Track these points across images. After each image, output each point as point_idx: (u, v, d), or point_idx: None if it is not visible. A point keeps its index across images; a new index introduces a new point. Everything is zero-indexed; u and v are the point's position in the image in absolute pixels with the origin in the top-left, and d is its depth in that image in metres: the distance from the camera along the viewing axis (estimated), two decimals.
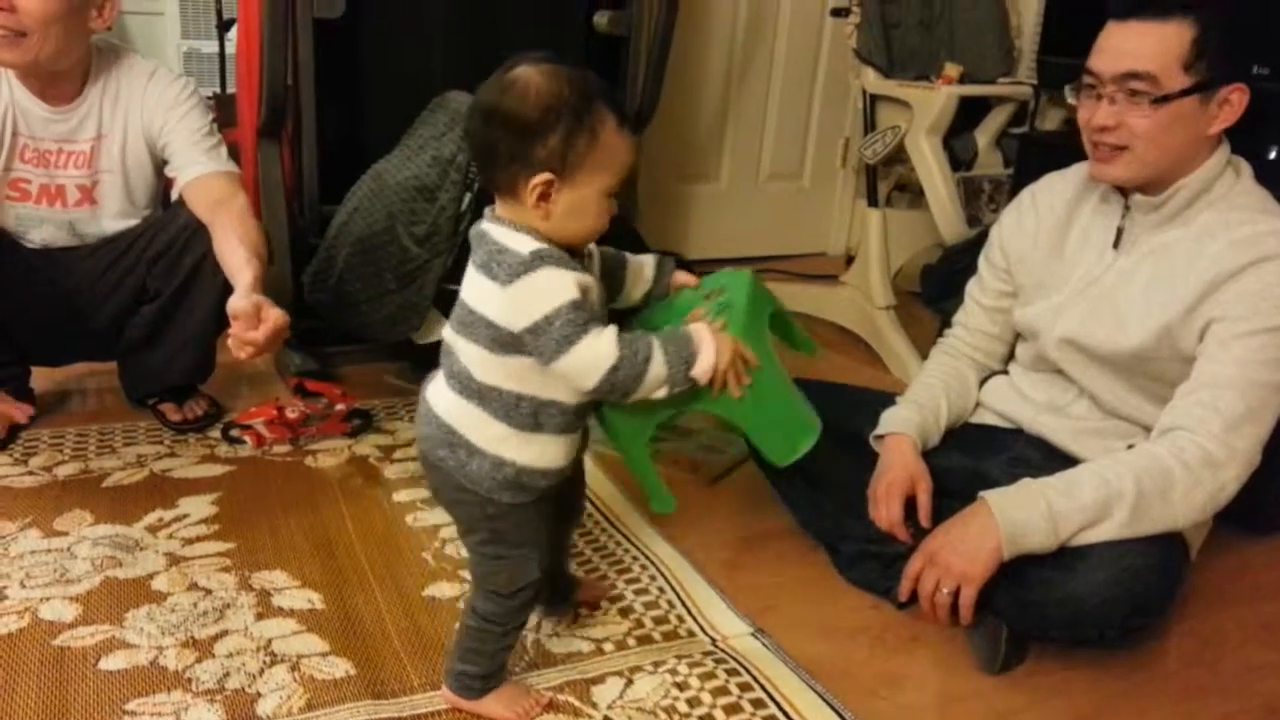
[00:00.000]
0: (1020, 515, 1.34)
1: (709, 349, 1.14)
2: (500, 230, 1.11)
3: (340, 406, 2.05)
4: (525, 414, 1.14)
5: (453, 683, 1.29)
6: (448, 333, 1.17)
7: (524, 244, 1.09)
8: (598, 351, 1.09)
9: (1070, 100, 1.47)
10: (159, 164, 1.93)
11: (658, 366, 1.12)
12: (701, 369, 1.14)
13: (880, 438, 1.60)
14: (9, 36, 1.68)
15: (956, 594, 1.36)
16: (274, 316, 1.52)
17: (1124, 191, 1.46)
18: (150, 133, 1.89)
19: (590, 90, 1.07)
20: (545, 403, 1.15)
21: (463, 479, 1.17)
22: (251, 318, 1.51)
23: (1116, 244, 1.48)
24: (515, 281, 1.07)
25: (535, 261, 1.07)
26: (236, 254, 1.69)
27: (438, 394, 1.19)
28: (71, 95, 1.83)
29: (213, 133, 1.91)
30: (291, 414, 1.96)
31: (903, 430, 1.58)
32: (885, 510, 1.52)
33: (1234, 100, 1.37)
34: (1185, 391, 1.38)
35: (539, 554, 1.24)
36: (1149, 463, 1.35)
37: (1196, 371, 1.38)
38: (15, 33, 1.68)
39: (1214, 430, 1.33)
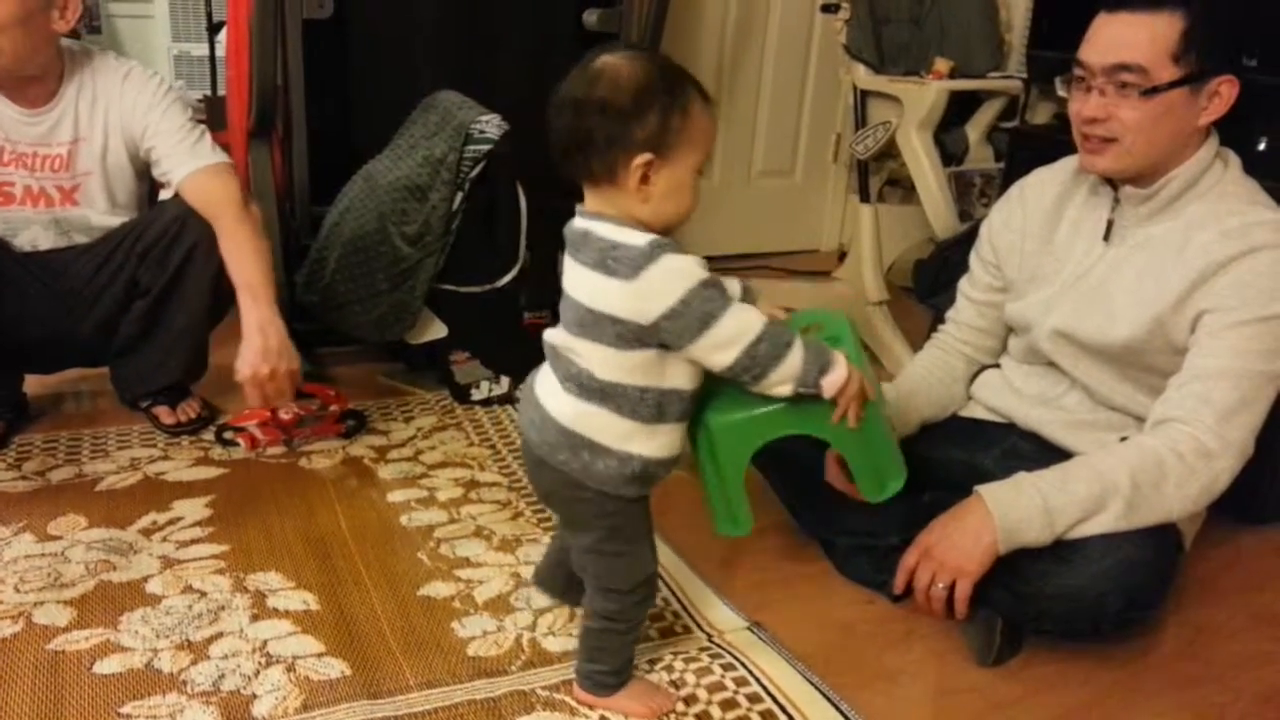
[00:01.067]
0: (1016, 510, 1.34)
1: (842, 367, 1.15)
2: (605, 226, 1.11)
3: (334, 408, 2.04)
4: (650, 406, 1.14)
5: (584, 682, 1.30)
6: (561, 336, 1.16)
7: (636, 237, 1.09)
8: (744, 322, 1.10)
9: (1060, 92, 1.47)
10: (141, 166, 1.93)
11: (795, 358, 1.12)
12: (832, 381, 1.14)
13: None
14: None
15: (952, 588, 1.36)
16: (280, 375, 1.69)
17: (1113, 184, 1.47)
18: (131, 135, 1.88)
19: (676, 71, 1.11)
20: (667, 392, 1.15)
21: (586, 479, 1.17)
22: (260, 383, 1.67)
23: (1107, 236, 1.48)
24: (640, 273, 1.07)
25: (655, 251, 1.07)
26: (240, 273, 1.77)
27: (553, 398, 1.18)
28: (45, 98, 1.82)
29: (195, 126, 1.90)
30: (285, 416, 1.96)
31: None
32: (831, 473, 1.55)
33: (1223, 92, 1.38)
34: (1178, 383, 1.38)
35: (652, 548, 1.26)
36: (1143, 455, 1.35)
37: (1188, 363, 1.38)
38: None
39: (1207, 421, 1.34)
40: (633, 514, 1.22)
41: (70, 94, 1.84)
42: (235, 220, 1.83)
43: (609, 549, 1.23)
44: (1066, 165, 1.57)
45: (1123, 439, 1.43)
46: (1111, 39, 1.37)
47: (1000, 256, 1.62)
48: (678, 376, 1.15)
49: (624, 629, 1.27)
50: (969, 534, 1.36)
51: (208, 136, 1.91)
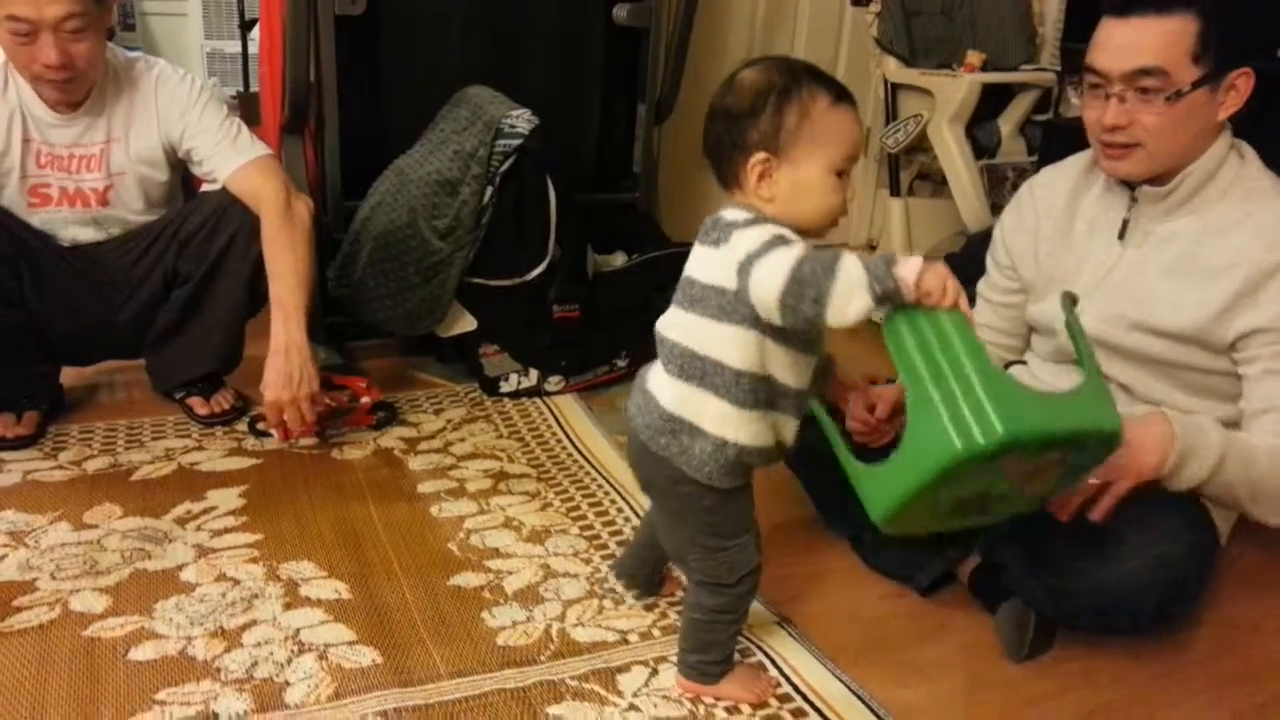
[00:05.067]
0: (1198, 437, 1.30)
1: (914, 260, 1.03)
2: (734, 211, 1.13)
3: (365, 400, 2.06)
4: (745, 390, 1.14)
5: (689, 672, 1.32)
6: (669, 316, 1.19)
7: (747, 214, 1.12)
8: (783, 255, 1.04)
9: (1074, 100, 1.45)
10: (177, 162, 1.95)
11: (850, 265, 1.00)
12: (908, 270, 1.01)
13: None
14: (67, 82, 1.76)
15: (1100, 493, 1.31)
16: (299, 400, 1.81)
17: (1129, 183, 1.45)
18: (169, 135, 1.90)
19: (797, 72, 1.13)
20: (764, 379, 1.15)
21: (685, 466, 1.18)
22: (279, 409, 1.81)
23: (1122, 235, 1.46)
24: (732, 235, 1.10)
25: (752, 222, 1.10)
26: (275, 285, 1.84)
27: (658, 383, 1.21)
28: (79, 100, 1.83)
29: (232, 121, 1.92)
30: (318, 407, 1.98)
31: None
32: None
33: (1239, 85, 1.35)
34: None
35: (756, 539, 1.27)
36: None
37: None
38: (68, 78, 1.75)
39: None
40: (732, 507, 1.23)
41: (102, 96, 1.85)
42: (276, 226, 1.85)
43: (710, 544, 1.24)
44: (1076, 163, 1.55)
45: None
46: (1126, 44, 1.34)
47: (1015, 258, 1.60)
48: (776, 365, 1.15)
49: (731, 619, 1.29)
50: (1147, 442, 1.29)
51: (245, 129, 1.93)
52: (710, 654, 1.30)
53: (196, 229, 1.89)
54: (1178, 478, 1.31)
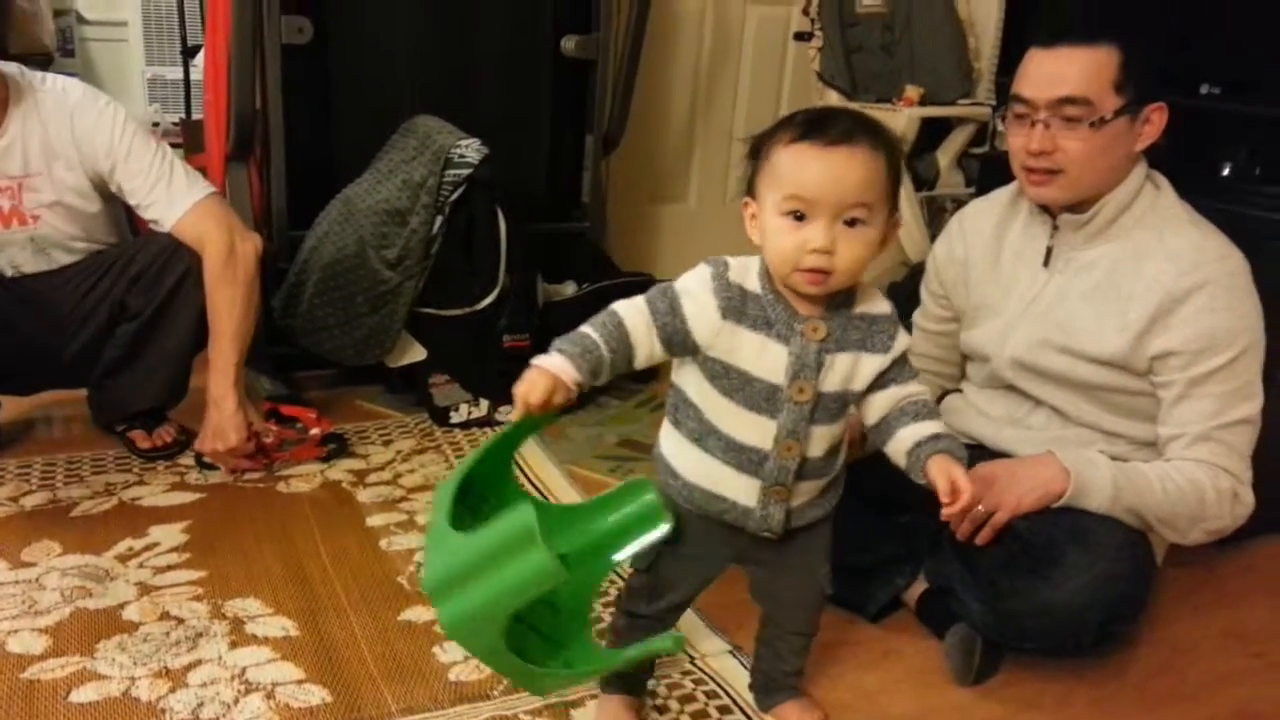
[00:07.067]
0: (1091, 471, 1.40)
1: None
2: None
3: (315, 431, 2.03)
4: (671, 402, 1.21)
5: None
6: None
7: (717, 261, 1.16)
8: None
9: (999, 128, 1.51)
10: (109, 195, 1.89)
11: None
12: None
13: None
14: None
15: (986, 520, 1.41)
16: (232, 449, 1.87)
17: (1049, 210, 1.50)
18: (95, 170, 1.83)
19: (788, 116, 1.14)
20: (677, 390, 1.20)
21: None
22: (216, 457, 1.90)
23: (1046, 262, 1.52)
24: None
25: (709, 263, 1.15)
26: (211, 336, 1.86)
27: None
28: None
29: (163, 159, 1.85)
30: (266, 439, 1.95)
31: None
32: None
33: (1154, 119, 1.42)
34: (1194, 421, 1.40)
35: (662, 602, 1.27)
36: (1192, 482, 1.39)
37: (1187, 409, 1.40)
38: None
39: (1237, 469, 1.40)
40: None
41: (14, 127, 1.77)
42: (215, 276, 1.83)
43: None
44: (1001, 195, 1.60)
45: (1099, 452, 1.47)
46: (1052, 74, 1.40)
47: (947, 288, 1.65)
48: (684, 377, 1.19)
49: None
50: (1039, 479, 1.41)
51: (179, 166, 1.87)
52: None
53: (146, 265, 1.85)
54: (1088, 504, 1.40)
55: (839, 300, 1.14)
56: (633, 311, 1.13)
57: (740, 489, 1.18)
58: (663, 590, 1.26)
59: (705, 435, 1.17)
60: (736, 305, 1.12)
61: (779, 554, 1.25)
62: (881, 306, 1.17)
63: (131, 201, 1.87)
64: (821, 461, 1.19)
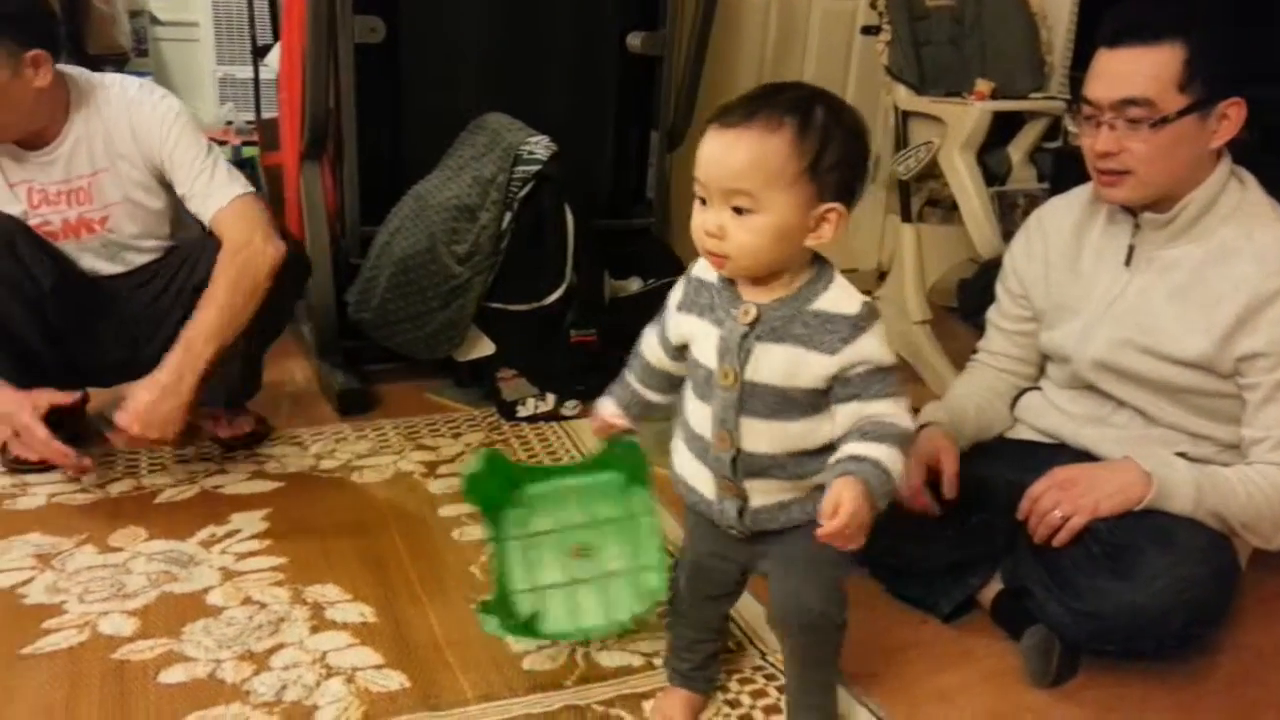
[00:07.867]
0: (1174, 474, 1.39)
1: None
2: None
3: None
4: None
5: None
6: None
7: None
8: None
9: (1070, 128, 1.48)
10: (171, 188, 1.91)
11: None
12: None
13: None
14: None
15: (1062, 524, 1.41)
16: (148, 439, 1.73)
17: (1131, 209, 1.47)
18: (152, 162, 1.87)
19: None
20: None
21: None
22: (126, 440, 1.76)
23: (1128, 261, 1.49)
24: None
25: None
26: (193, 321, 1.77)
27: None
28: (50, 137, 1.81)
29: (208, 154, 1.88)
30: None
31: (929, 419, 1.61)
32: (906, 480, 1.52)
33: (1231, 114, 1.38)
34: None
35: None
36: (1275, 488, 1.38)
37: (1277, 413, 1.38)
38: None
39: None
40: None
41: (78, 129, 1.82)
42: (223, 265, 1.80)
43: None
44: (1081, 194, 1.58)
45: (1180, 454, 1.44)
46: (1115, 74, 1.39)
47: (1026, 286, 1.63)
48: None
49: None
50: (1118, 484, 1.40)
51: (223, 163, 1.89)
52: None
53: (206, 275, 1.84)
54: (1170, 507, 1.38)
55: (799, 291, 1.09)
56: (649, 326, 1.24)
57: (701, 480, 1.19)
58: (687, 587, 1.30)
59: (680, 425, 1.21)
60: (691, 296, 1.17)
61: (768, 560, 1.22)
62: (846, 307, 1.07)
63: (177, 191, 1.89)
64: (768, 460, 1.11)
